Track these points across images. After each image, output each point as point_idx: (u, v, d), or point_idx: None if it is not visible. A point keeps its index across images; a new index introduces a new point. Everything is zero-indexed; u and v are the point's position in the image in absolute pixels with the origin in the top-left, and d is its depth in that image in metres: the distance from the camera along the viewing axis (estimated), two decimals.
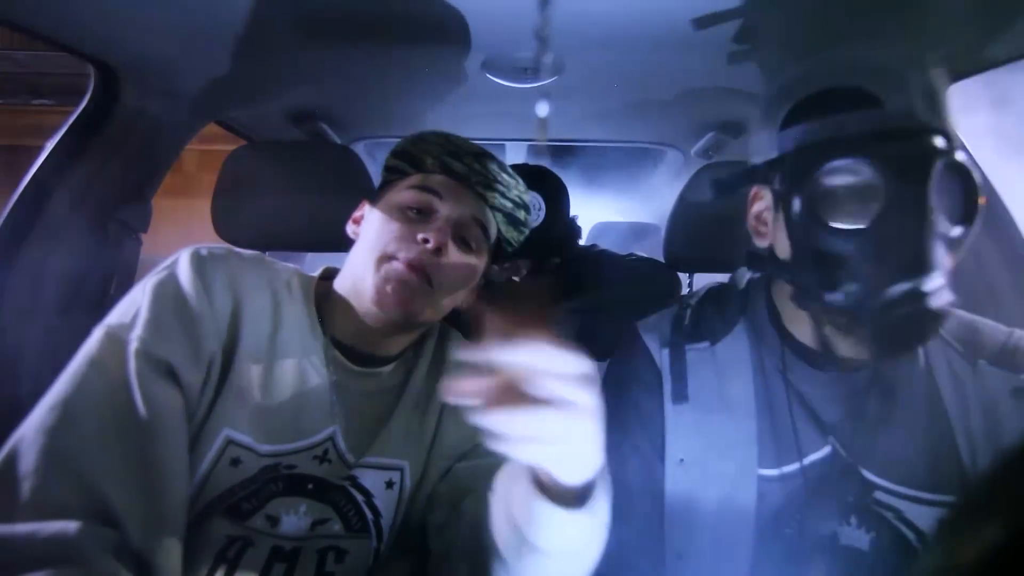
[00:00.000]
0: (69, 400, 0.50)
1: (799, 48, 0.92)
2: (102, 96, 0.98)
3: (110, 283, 1.07)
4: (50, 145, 0.97)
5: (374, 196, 0.72)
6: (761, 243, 0.66)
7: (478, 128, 1.46)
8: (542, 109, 1.14)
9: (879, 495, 0.62)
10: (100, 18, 0.83)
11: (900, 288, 0.52)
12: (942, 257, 0.52)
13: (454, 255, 0.66)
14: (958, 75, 0.91)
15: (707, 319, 0.72)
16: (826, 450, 0.64)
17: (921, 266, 0.52)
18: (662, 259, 1.09)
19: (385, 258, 0.63)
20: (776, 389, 0.66)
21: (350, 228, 0.72)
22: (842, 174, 0.56)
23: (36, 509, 0.44)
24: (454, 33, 0.91)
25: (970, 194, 0.56)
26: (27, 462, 0.46)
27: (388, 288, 0.62)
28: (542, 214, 1.01)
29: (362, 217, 0.72)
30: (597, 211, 2.50)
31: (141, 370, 0.52)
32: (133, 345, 0.53)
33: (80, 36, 0.87)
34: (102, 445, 0.49)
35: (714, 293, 0.77)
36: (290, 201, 1.02)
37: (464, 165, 0.69)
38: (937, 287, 0.52)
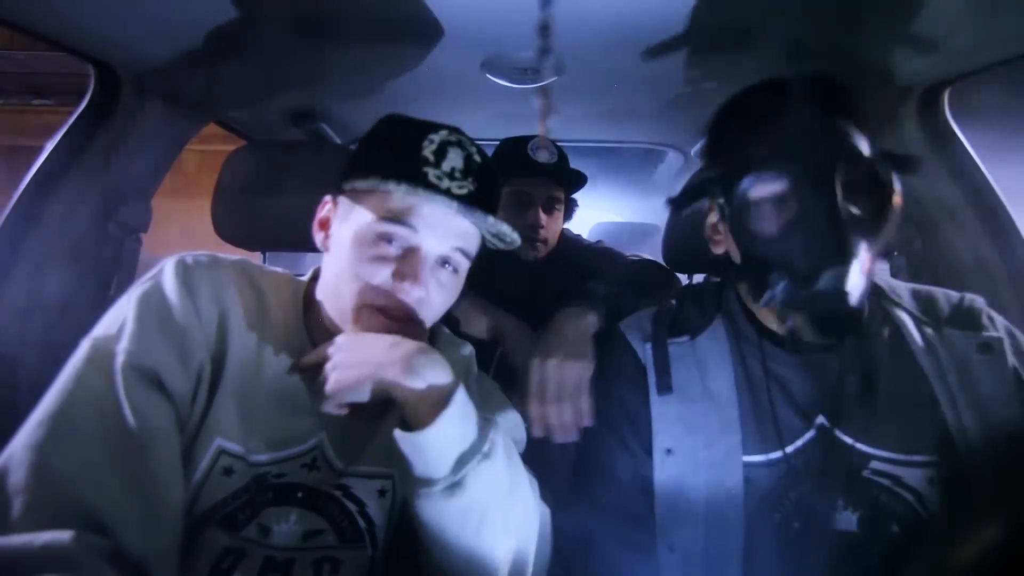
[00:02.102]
0: (58, 415, 0.49)
1: (801, 49, 0.92)
2: (102, 96, 0.98)
3: (110, 283, 1.07)
4: (50, 145, 0.97)
5: (338, 200, 0.66)
6: (717, 251, 0.73)
7: (478, 128, 1.46)
8: (544, 105, 1.15)
9: (876, 464, 0.64)
10: (100, 18, 0.83)
11: (822, 282, 0.57)
12: (859, 251, 0.58)
13: (436, 287, 0.62)
14: (958, 76, 0.92)
15: (686, 315, 0.75)
16: (810, 433, 0.66)
17: (836, 261, 0.57)
18: (661, 260, 1.09)
19: (364, 307, 0.59)
20: (756, 378, 0.69)
21: (317, 236, 0.66)
22: (760, 186, 0.61)
23: (29, 525, 0.44)
24: (454, 33, 0.91)
25: (882, 193, 0.61)
26: (17, 479, 0.46)
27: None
28: (555, 155, 1.16)
29: (328, 221, 0.66)
30: (597, 211, 2.50)
31: (129, 382, 0.52)
32: (120, 357, 0.52)
33: (80, 36, 0.87)
34: (93, 459, 0.48)
35: (692, 291, 0.81)
36: (290, 201, 1.02)
37: (442, 195, 0.60)
38: (855, 278, 0.57)
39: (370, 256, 0.60)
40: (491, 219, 0.62)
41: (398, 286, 0.59)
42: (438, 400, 0.54)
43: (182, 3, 0.82)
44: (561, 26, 0.86)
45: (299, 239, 1.08)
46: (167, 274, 0.59)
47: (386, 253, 0.60)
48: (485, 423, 0.58)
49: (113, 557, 0.46)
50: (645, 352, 0.73)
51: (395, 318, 0.60)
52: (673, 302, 0.78)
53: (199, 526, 0.56)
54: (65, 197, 0.97)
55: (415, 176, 0.59)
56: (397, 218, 0.60)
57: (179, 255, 0.61)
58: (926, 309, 0.71)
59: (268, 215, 1.02)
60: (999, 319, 0.69)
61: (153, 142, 1.07)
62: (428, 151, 0.61)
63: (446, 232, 0.62)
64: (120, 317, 0.56)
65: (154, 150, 1.09)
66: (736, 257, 0.69)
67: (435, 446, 0.53)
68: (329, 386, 0.55)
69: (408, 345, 0.57)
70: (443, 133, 0.62)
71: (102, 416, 0.50)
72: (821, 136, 0.60)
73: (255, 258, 0.81)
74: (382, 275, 0.60)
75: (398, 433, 0.55)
